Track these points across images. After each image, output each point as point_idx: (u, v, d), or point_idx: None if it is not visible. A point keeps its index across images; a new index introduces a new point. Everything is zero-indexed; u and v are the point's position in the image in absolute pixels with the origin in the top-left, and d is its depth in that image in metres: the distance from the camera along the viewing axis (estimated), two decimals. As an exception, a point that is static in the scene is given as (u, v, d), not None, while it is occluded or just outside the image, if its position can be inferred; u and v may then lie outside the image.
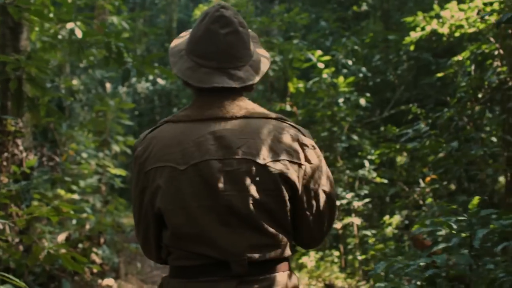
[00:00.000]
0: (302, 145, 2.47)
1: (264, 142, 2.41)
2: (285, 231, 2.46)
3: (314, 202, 2.50)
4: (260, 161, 2.38)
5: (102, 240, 8.37)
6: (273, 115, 2.51)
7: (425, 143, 7.69)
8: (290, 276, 2.50)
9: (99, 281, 8.39)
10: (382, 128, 11.48)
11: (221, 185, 2.36)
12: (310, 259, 9.39)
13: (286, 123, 2.50)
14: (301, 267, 9.61)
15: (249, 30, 2.59)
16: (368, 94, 10.65)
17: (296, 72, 11.48)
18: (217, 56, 2.46)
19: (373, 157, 9.74)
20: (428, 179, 8.77)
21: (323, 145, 10.63)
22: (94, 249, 8.17)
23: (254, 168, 2.38)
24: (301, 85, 10.92)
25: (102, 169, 9.63)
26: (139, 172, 2.47)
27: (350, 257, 9.31)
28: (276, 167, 2.40)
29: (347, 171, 9.78)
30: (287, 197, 2.43)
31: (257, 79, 2.50)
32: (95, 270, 8.28)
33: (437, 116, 7.51)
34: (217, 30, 2.47)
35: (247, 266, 2.38)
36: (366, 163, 9.92)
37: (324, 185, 2.52)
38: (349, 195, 9.37)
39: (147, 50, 20.62)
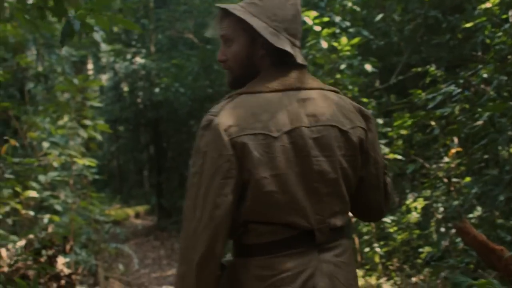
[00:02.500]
0: (365, 116, 2.63)
1: (340, 111, 2.53)
2: (350, 197, 2.57)
3: (372, 169, 2.63)
4: (343, 127, 2.50)
5: (68, 247, 6.93)
6: (333, 88, 2.64)
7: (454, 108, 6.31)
8: (349, 240, 2.63)
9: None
10: (389, 97, 10.10)
11: (312, 151, 2.43)
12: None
13: (344, 96, 2.65)
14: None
15: None
16: (373, 59, 9.20)
17: (289, 38, 10.05)
18: (300, 36, 2.60)
19: (384, 130, 8.35)
20: (452, 151, 7.40)
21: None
22: (60, 258, 6.74)
23: (338, 134, 2.49)
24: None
25: (69, 159, 8.18)
26: (221, 141, 2.38)
27: (366, 249, 7.88)
28: (355, 133, 2.53)
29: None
30: (360, 163, 2.56)
31: None
32: (62, 282, 6.86)
33: (470, 75, 6.10)
34: (300, 12, 2.61)
35: (329, 233, 2.44)
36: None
37: (380, 154, 2.67)
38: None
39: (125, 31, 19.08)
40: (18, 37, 10.46)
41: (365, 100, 8.99)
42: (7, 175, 6.51)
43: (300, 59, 2.54)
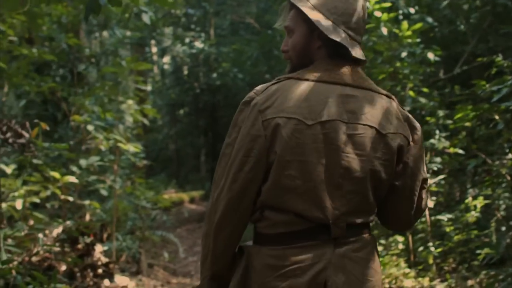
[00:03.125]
0: (412, 126, 2.64)
1: (385, 115, 2.55)
2: (378, 199, 2.60)
3: (408, 181, 2.61)
4: (382, 130, 2.52)
5: (105, 235, 6.66)
6: (386, 93, 2.63)
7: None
8: (373, 237, 2.62)
9: (105, 283, 6.69)
10: (452, 88, 9.56)
11: (343, 146, 2.45)
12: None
13: (395, 102, 2.65)
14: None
15: None
16: (436, 47, 8.68)
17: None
18: (362, 32, 2.63)
19: (445, 122, 7.86)
20: (518, 147, 6.91)
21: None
22: (98, 246, 6.47)
23: (376, 136, 2.50)
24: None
25: (114, 144, 7.89)
26: (255, 120, 2.46)
27: (420, 248, 7.41)
28: (395, 139, 2.55)
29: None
30: (395, 170, 2.58)
31: None
32: (99, 271, 6.60)
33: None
34: (365, 8, 2.62)
35: (345, 229, 2.46)
36: (437, 130, 8.01)
37: (421, 167, 2.63)
38: (419, 171, 7.49)
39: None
40: (70, 17, 10.26)
41: (426, 90, 8.51)
42: (35, 161, 6.23)
43: (356, 54, 2.56)
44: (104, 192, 8.68)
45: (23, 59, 8.37)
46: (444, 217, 7.33)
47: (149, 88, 30.00)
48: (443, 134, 7.99)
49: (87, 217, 7.21)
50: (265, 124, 2.44)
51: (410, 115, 2.66)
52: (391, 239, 7.98)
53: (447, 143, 7.76)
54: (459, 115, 6.92)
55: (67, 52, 10.61)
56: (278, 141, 2.42)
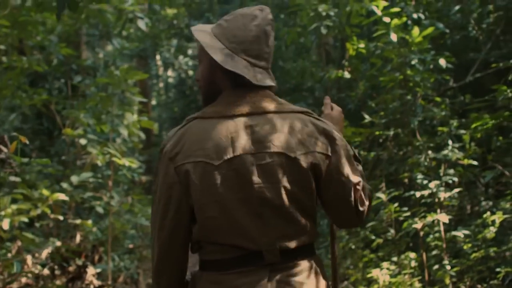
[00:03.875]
0: (329, 138, 2.62)
1: (294, 136, 2.55)
2: (311, 219, 2.62)
3: (339, 190, 2.63)
4: (291, 154, 2.53)
5: (97, 256, 6.22)
6: (300, 109, 2.65)
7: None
8: (316, 260, 2.65)
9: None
10: (463, 97, 9.11)
11: (254, 178, 2.49)
12: (382, 272, 7.10)
13: (312, 116, 2.65)
14: (370, 283, 7.34)
15: None
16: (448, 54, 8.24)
17: (355, 30, 9.19)
18: (267, 57, 2.63)
19: (458, 132, 7.42)
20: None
21: (392, 119, 8.31)
22: (90, 268, 6.02)
23: (285, 161, 2.52)
24: (362, 45, 8.62)
25: (108, 159, 7.45)
26: (167, 168, 2.53)
27: (435, 266, 6.93)
28: (306, 159, 2.55)
29: (430, 152, 7.39)
30: (314, 187, 2.59)
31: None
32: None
33: None
34: (270, 33, 2.64)
35: (279, 254, 2.51)
36: (450, 140, 7.56)
37: (348, 174, 2.64)
38: (433, 184, 7.01)
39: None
40: (66, 27, 9.87)
41: (438, 99, 8.07)
42: (13, 178, 5.79)
43: (259, 80, 2.58)
44: (100, 210, 8.24)
45: (13, 70, 7.96)
46: (460, 233, 6.86)
47: (153, 102, 29.81)
48: (456, 145, 7.54)
49: (78, 238, 6.77)
50: (177, 170, 2.51)
51: (326, 127, 2.65)
52: (403, 256, 7.52)
53: (460, 154, 7.30)
54: (476, 124, 6.48)
55: (62, 63, 10.21)
56: (192, 186, 2.49)
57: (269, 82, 2.61)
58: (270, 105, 2.59)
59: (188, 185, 2.49)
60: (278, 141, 2.52)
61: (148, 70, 23.34)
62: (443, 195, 6.94)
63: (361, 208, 2.70)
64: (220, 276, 2.52)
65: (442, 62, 7.97)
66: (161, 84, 29.59)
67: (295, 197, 2.53)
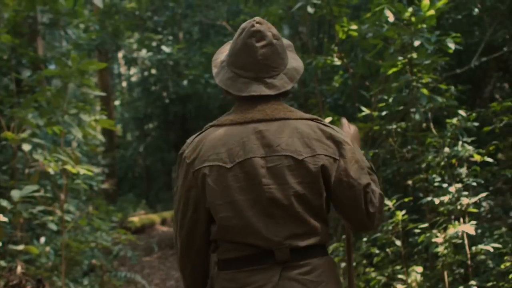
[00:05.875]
0: (336, 142, 2.72)
1: (301, 140, 2.67)
2: (321, 220, 2.71)
3: (348, 193, 2.69)
4: (298, 156, 2.64)
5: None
6: (309, 116, 2.78)
7: None
8: (327, 260, 2.73)
9: None
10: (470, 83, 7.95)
11: (264, 179, 2.61)
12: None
13: (320, 123, 2.77)
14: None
15: (283, 39, 2.89)
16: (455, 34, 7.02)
17: (345, 11, 7.97)
18: (254, 67, 2.75)
19: (468, 125, 6.25)
20: None
21: (395, 112, 7.12)
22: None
23: (293, 163, 2.63)
24: (354, 27, 7.42)
25: (60, 166, 6.13)
26: (187, 172, 2.71)
27: (460, 288, 5.73)
28: (314, 161, 2.65)
29: (446, 149, 6.16)
30: (323, 189, 2.68)
31: (291, 85, 2.80)
32: None
33: None
34: (253, 44, 2.75)
35: (289, 253, 2.61)
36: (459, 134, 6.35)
37: (357, 177, 2.70)
38: (453, 188, 5.81)
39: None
40: (12, 14, 8.55)
41: (444, 87, 6.85)
42: None
43: (239, 91, 2.76)
44: (53, 226, 6.92)
45: None
46: (489, 247, 5.68)
47: (117, 102, 28.45)
48: (469, 139, 6.35)
49: (19, 269, 5.46)
50: (195, 174, 2.68)
51: (333, 132, 2.75)
52: (415, 274, 6.32)
53: (471, 150, 6.11)
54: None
55: (9, 57, 8.87)
56: (208, 189, 2.65)
57: (258, 91, 2.73)
58: (279, 113, 2.73)
59: (204, 188, 2.65)
60: (285, 144, 2.65)
61: (110, 67, 21.98)
62: (466, 201, 5.74)
63: (371, 210, 2.73)
64: (235, 274, 2.64)
65: (450, 43, 6.74)
66: (124, 84, 28.33)
67: (303, 198, 2.63)
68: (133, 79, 24.99)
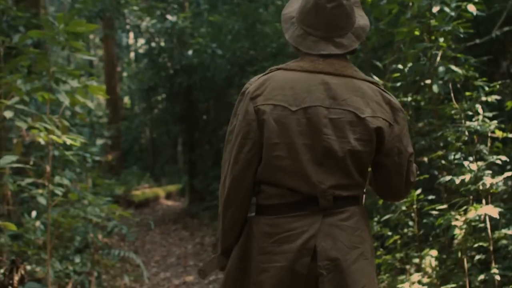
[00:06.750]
0: (393, 108, 2.85)
1: (364, 100, 2.78)
2: (364, 177, 2.83)
3: (396, 158, 2.84)
4: (361, 114, 2.75)
5: (16, 277, 4.42)
6: (371, 79, 2.88)
7: None
8: (362, 209, 2.87)
9: None
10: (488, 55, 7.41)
11: (324, 129, 2.72)
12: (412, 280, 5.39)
13: (380, 88, 2.88)
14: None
15: None
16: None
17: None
18: (323, 27, 2.84)
19: (489, 98, 5.73)
20: None
21: (409, 83, 6.59)
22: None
23: (355, 119, 2.74)
24: (366, -9, 6.89)
25: (45, 137, 5.65)
26: (248, 106, 2.79)
27: (480, 277, 5.23)
28: (373, 122, 2.76)
29: (468, 123, 5.64)
30: (374, 149, 2.80)
31: (357, 44, 2.88)
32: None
33: None
34: (324, 5, 2.82)
35: (332, 200, 2.72)
36: (480, 108, 5.82)
37: (406, 145, 2.87)
38: (474, 166, 5.29)
39: None
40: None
41: (461, 56, 6.30)
42: None
43: (307, 48, 2.86)
44: (42, 200, 6.45)
45: None
46: (510, 231, 5.17)
47: (125, 74, 27.93)
48: (488, 114, 5.84)
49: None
50: (256, 109, 2.77)
51: (392, 98, 2.86)
52: (429, 258, 5.84)
53: (492, 125, 5.59)
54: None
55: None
56: (267, 126, 2.74)
57: (327, 50, 2.82)
58: (347, 70, 2.82)
59: (263, 124, 2.74)
60: (350, 100, 2.75)
61: (116, 38, 21.46)
62: (489, 180, 5.23)
63: (411, 179, 2.92)
64: (277, 220, 2.75)
65: (472, 8, 6.19)
66: (132, 55, 27.82)
67: (357, 154, 2.74)
68: (141, 50, 24.47)
